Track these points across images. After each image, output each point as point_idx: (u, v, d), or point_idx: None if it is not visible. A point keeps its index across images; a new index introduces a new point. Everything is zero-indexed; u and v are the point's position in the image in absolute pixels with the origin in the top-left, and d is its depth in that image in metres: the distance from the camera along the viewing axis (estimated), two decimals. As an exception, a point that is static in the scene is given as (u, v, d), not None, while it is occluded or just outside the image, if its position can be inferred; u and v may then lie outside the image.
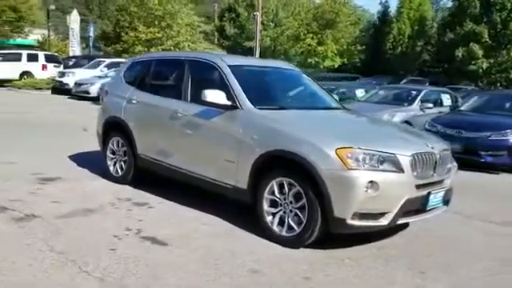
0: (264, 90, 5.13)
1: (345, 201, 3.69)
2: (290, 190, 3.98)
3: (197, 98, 4.73)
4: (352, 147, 3.73)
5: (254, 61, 6.30)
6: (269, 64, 5.73)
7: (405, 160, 3.83)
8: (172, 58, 5.97)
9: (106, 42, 33.31)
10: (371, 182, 3.65)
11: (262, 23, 35.97)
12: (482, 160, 8.15)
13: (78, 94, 17.73)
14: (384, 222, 3.81)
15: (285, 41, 35.40)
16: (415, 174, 3.89)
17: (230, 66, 4.82)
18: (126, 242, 3.83)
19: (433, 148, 4.12)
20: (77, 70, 19.80)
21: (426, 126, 9.24)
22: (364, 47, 35.22)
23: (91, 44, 32.25)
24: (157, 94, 5.44)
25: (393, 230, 4.35)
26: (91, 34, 32.81)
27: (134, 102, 5.62)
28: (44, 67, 22.41)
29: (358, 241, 4.10)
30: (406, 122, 10.29)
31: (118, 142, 5.81)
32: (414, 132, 5.00)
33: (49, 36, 33.22)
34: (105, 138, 6.02)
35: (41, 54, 23.35)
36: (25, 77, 21.95)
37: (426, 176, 3.99)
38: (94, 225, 4.20)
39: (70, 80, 18.91)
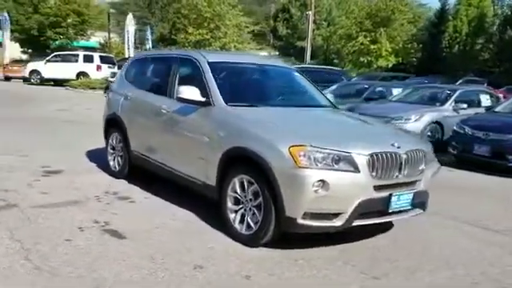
0: (242, 87, 5.10)
1: (295, 200, 3.59)
2: (249, 187, 3.94)
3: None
4: (304, 145, 3.61)
5: (243, 57, 6.25)
6: (257, 61, 5.67)
7: (361, 159, 3.66)
8: (162, 56, 6.07)
9: (163, 44, 34.54)
10: (321, 181, 3.52)
11: (315, 22, 35.68)
12: (510, 164, 7.59)
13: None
14: (338, 223, 3.66)
15: (337, 40, 34.81)
16: (374, 174, 3.71)
17: (209, 63, 4.83)
18: (85, 234, 3.95)
19: (399, 148, 3.90)
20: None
21: (455, 127, 8.78)
22: (421, 46, 33.83)
23: (150, 46, 33.44)
24: (147, 91, 5.58)
25: (373, 232, 4.27)
26: (149, 36, 34.06)
27: (129, 98, 5.80)
28: (98, 68, 23.60)
29: (326, 242, 3.99)
30: (437, 122, 9.83)
31: (116, 137, 6.01)
32: (393, 132, 4.69)
33: (109, 38, 34.88)
34: (106, 134, 6.26)
35: (96, 56, 24.62)
36: (81, 77, 23.23)
37: (387, 177, 3.80)
38: (67, 216, 4.37)
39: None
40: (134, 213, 4.65)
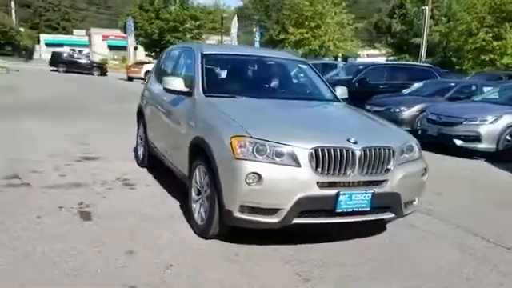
0: (228, 79, 5.04)
1: (231, 192, 3.47)
2: (204, 178, 3.89)
3: None
4: (244, 136, 3.46)
5: (246, 50, 6.16)
6: (257, 54, 5.53)
7: (303, 153, 3.39)
8: (177, 48, 6.21)
9: (271, 46, 35.28)
10: (255, 173, 3.34)
11: (433, 18, 33.33)
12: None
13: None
14: (275, 219, 3.44)
15: (456, 36, 32.00)
16: (318, 169, 3.41)
17: (202, 54, 4.87)
18: (60, 214, 4.23)
19: (356, 143, 3.51)
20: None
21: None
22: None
23: (258, 47, 34.41)
24: (159, 83, 5.78)
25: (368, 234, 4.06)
26: (257, 37, 35.02)
27: (148, 90, 6.09)
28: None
29: (292, 241, 3.81)
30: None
31: (141, 128, 6.35)
32: (363, 127, 4.20)
33: (221, 41, 36.61)
34: (138, 126, 6.63)
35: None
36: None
37: (335, 174, 3.46)
38: (59, 196, 4.72)
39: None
40: (123, 198, 4.86)
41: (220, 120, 3.85)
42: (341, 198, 3.45)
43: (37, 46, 75.55)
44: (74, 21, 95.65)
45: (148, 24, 33.97)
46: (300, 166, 3.38)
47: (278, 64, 5.37)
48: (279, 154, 3.40)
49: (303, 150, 3.40)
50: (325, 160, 3.42)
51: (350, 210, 3.52)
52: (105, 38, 59.87)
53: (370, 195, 3.55)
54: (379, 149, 3.60)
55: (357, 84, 13.17)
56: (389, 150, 3.65)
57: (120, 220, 4.18)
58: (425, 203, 5.21)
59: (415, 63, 18.47)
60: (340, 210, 3.49)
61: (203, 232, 3.83)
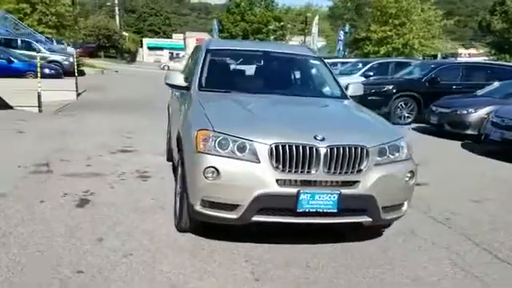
0: (228, 74, 5.03)
1: (192, 185, 3.45)
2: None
3: None
4: (208, 129, 3.42)
5: (258, 45, 6.00)
6: (268, 49, 5.35)
7: (262, 149, 3.26)
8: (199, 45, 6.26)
9: (355, 45, 34.42)
10: (212, 167, 3.29)
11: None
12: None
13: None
14: (234, 215, 3.34)
15: None
16: (279, 166, 3.25)
17: (208, 50, 4.90)
18: (60, 200, 4.49)
19: (323, 140, 3.29)
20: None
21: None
22: None
23: (341, 47, 33.70)
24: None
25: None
26: (341, 37, 34.29)
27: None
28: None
29: (274, 240, 3.71)
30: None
31: (167, 122, 6.55)
32: (339, 125, 3.90)
33: (304, 42, 36.45)
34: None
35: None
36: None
37: (297, 171, 3.27)
38: (70, 184, 5.01)
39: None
40: (130, 189, 5.03)
41: (196, 114, 3.83)
42: (302, 197, 3.26)
43: (140, 49, 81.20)
44: (175, 25, 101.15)
45: (233, 26, 34.89)
46: (259, 162, 3.26)
47: (286, 59, 5.20)
48: (241, 149, 3.31)
49: (263, 146, 3.27)
50: (285, 157, 3.25)
51: (314, 210, 3.31)
52: (198, 40, 62.38)
53: (335, 196, 3.30)
54: (349, 148, 3.34)
55: (427, 84, 12.38)
56: (361, 149, 3.38)
57: (112, 209, 4.33)
58: (447, 211, 4.80)
59: (497, 62, 16.80)
60: (301, 210, 3.29)
61: (177, 225, 3.85)
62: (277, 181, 3.26)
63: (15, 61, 17.34)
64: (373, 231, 3.99)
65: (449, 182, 6.14)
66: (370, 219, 3.51)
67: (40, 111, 11.78)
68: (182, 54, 59.94)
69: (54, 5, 34.85)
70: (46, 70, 17.65)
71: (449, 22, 27.72)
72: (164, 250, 3.51)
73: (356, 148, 3.36)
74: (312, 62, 5.20)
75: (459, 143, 9.42)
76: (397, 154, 3.59)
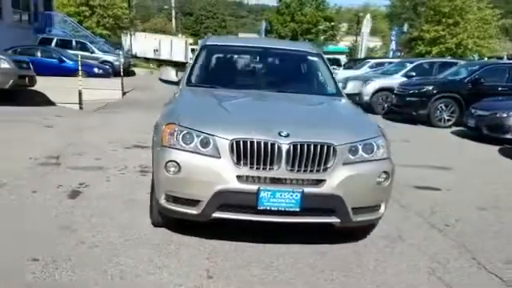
0: (220, 69, 4.95)
1: (156, 180, 3.45)
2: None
3: None
4: (174, 123, 3.39)
5: (258, 42, 5.94)
6: (266, 45, 5.29)
7: (223, 144, 3.18)
8: None
9: (409, 45, 33.29)
10: (173, 162, 3.25)
11: None
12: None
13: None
14: (195, 211, 3.28)
15: None
16: (239, 162, 3.17)
17: (204, 46, 4.90)
18: (53, 191, 4.60)
19: (287, 137, 3.16)
20: (340, 71, 20.91)
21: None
22: None
23: (393, 47, 32.68)
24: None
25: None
26: (393, 37, 33.29)
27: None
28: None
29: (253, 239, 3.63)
30: None
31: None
32: (309, 121, 3.68)
33: (355, 41, 35.70)
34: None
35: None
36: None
37: (259, 168, 3.16)
38: (70, 176, 5.14)
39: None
40: (126, 183, 5.09)
41: (171, 109, 3.82)
42: (262, 194, 3.14)
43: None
44: (230, 27, 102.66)
45: (282, 27, 34.81)
46: (220, 158, 3.19)
47: (283, 56, 5.07)
48: (204, 144, 3.25)
49: (224, 141, 3.19)
50: (246, 152, 3.16)
51: (275, 208, 3.18)
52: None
53: (298, 194, 3.16)
54: (315, 145, 3.19)
55: (470, 85, 11.70)
56: (328, 147, 3.21)
57: (100, 201, 4.40)
58: (451, 218, 4.51)
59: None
60: (262, 208, 3.18)
61: (151, 220, 3.85)
62: (237, 177, 3.17)
63: (66, 60, 18.23)
64: (359, 234, 3.81)
65: (466, 189, 5.75)
66: (339, 220, 3.33)
67: (81, 108, 12.32)
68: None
69: (111, 8, 36.40)
70: (95, 70, 18.50)
71: (508, 21, 26.01)
72: (130, 243, 3.51)
73: (322, 146, 3.20)
74: (310, 58, 5.02)
75: (497, 148, 8.82)
76: (371, 154, 3.39)
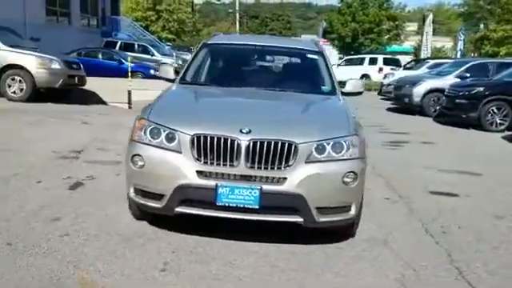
0: (218, 67, 5.06)
1: (126, 173, 3.55)
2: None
3: None
4: (144, 118, 3.49)
5: (260, 39, 5.89)
6: (267, 43, 5.30)
7: (185, 139, 3.23)
8: None
9: (480, 45, 31.49)
10: (138, 156, 3.37)
11: None
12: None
13: (385, 95, 17.85)
14: (159, 205, 3.35)
15: None
16: (200, 158, 3.20)
17: (204, 44, 4.99)
18: (59, 182, 4.84)
19: (248, 133, 3.15)
20: (398, 72, 20.15)
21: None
22: None
23: (461, 47, 30.97)
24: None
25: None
26: (461, 37, 31.57)
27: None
28: (380, 70, 23.82)
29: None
30: None
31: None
32: (277, 118, 3.63)
33: (421, 41, 34.20)
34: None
35: (380, 58, 24.90)
36: (364, 79, 24.06)
37: (218, 164, 3.19)
38: (83, 169, 5.39)
39: (387, 81, 19.49)
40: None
41: (148, 105, 3.90)
42: (220, 190, 3.16)
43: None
44: (296, 29, 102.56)
45: (342, 27, 34.19)
46: (181, 152, 3.24)
47: (281, 53, 5.12)
48: (170, 139, 3.33)
49: (186, 136, 3.25)
50: (206, 148, 3.19)
51: (234, 205, 3.18)
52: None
53: (257, 191, 3.14)
54: (275, 142, 3.15)
55: (524, 88, 10.85)
56: (289, 145, 3.15)
57: (99, 194, 4.56)
58: (454, 225, 4.28)
59: None
60: (221, 204, 3.19)
61: (131, 212, 3.94)
62: (197, 172, 3.21)
63: (125, 62, 19.16)
64: (342, 236, 3.70)
65: (488, 196, 5.35)
66: (302, 220, 3.24)
67: (129, 107, 12.88)
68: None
69: (176, 12, 37.73)
70: (152, 71, 19.29)
71: None
72: (103, 234, 3.59)
73: (283, 143, 3.16)
74: (309, 56, 4.96)
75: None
76: (341, 153, 3.27)
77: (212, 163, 3.19)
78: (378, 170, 5.95)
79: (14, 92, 10.57)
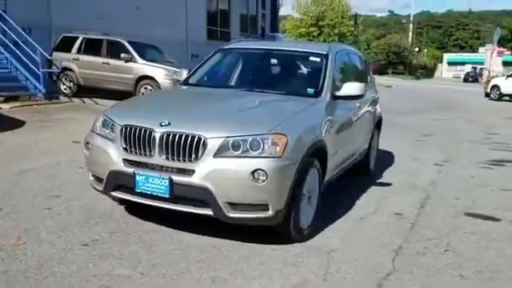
0: (222, 70, 5.14)
1: None
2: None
3: None
4: (104, 113, 3.86)
5: (275, 44, 6.15)
6: (276, 47, 5.39)
7: (117, 129, 3.54)
8: None
9: None
10: (87, 143, 3.79)
11: None
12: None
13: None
14: (100, 188, 3.67)
15: None
16: (126, 147, 3.45)
17: (219, 49, 5.20)
18: (70, 170, 5.29)
19: (167, 126, 3.30)
20: None
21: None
22: None
23: None
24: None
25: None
26: None
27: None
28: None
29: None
30: None
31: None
32: (237, 115, 3.68)
33: None
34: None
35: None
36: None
37: (138, 153, 3.40)
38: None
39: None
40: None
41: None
42: (137, 178, 3.36)
43: (439, 65, 78.38)
44: (484, 38, 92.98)
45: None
46: (113, 142, 3.53)
47: (284, 57, 5.00)
48: (111, 130, 3.63)
49: (118, 127, 3.53)
50: (130, 138, 3.43)
51: (149, 192, 3.34)
52: (499, 53, 55.75)
53: (166, 181, 3.27)
54: (186, 136, 3.25)
55: None
56: (199, 139, 3.22)
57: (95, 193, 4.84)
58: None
59: None
60: (139, 191, 3.38)
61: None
62: (123, 160, 3.46)
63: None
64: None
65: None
66: (212, 213, 3.21)
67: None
68: (479, 67, 55.03)
69: (338, 26, 38.07)
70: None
71: None
72: (82, 220, 3.82)
73: (193, 137, 3.24)
74: (312, 59, 4.80)
75: None
76: (257, 150, 3.20)
77: (135, 152, 3.41)
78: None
79: (144, 98, 12.12)
